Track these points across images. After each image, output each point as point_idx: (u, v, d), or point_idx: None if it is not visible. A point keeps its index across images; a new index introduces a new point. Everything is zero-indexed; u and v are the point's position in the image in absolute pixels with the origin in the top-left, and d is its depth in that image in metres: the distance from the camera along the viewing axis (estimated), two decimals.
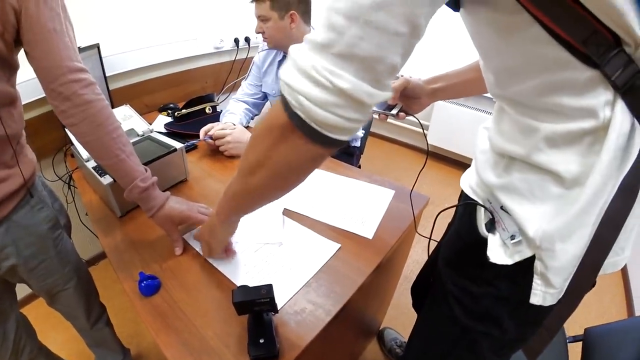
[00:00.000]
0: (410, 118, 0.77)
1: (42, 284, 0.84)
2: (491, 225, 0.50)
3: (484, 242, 0.51)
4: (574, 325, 0.94)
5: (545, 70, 0.37)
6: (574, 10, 0.31)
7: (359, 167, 1.59)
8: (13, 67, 0.66)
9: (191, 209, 0.77)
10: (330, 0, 0.33)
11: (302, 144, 0.39)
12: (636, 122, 0.34)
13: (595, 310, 1.52)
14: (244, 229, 0.82)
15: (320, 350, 0.67)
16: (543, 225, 0.42)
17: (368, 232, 0.81)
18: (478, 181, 0.55)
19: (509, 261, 0.47)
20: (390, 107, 0.77)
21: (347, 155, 1.51)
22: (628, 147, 0.35)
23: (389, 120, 0.72)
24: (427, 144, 0.64)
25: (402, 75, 0.73)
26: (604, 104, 0.35)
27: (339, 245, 0.77)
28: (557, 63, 0.35)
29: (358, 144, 1.57)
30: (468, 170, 0.63)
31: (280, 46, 1.28)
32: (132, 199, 0.72)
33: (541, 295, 0.46)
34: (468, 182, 0.60)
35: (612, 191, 0.38)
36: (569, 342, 0.93)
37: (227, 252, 0.74)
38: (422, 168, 0.72)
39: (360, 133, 1.53)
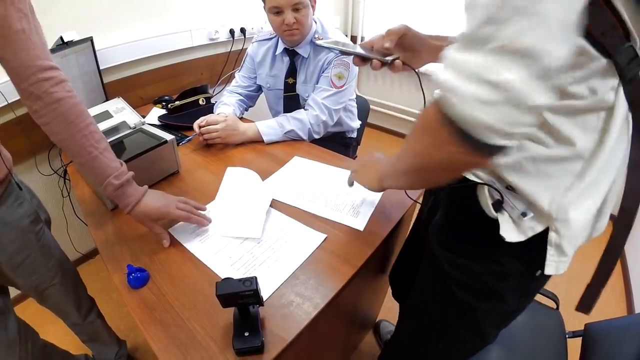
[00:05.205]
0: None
1: (29, 280, 0.84)
2: (499, 206, 0.50)
3: (484, 222, 0.51)
4: (573, 320, 0.92)
5: None
6: (597, 2, 0.33)
7: (356, 157, 1.58)
8: None
9: (169, 205, 0.74)
10: None
11: (451, 144, 0.37)
12: (628, 107, 0.40)
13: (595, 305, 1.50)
14: (223, 222, 0.81)
15: (307, 344, 0.66)
16: (556, 198, 0.46)
17: (359, 223, 0.80)
18: None
19: (522, 238, 0.49)
20: (386, 56, 0.66)
21: (344, 146, 1.49)
22: (624, 127, 0.42)
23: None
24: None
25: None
26: (610, 89, 0.39)
27: (325, 236, 0.76)
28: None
29: (354, 135, 1.55)
30: None
31: (304, 37, 1.21)
32: (108, 196, 0.70)
33: (554, 265, 0.50)
34: None
35: (618, 166, 0.45)
36: (569, 338, 0.91)
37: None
38: None
39: (357, 124, 1.51)
